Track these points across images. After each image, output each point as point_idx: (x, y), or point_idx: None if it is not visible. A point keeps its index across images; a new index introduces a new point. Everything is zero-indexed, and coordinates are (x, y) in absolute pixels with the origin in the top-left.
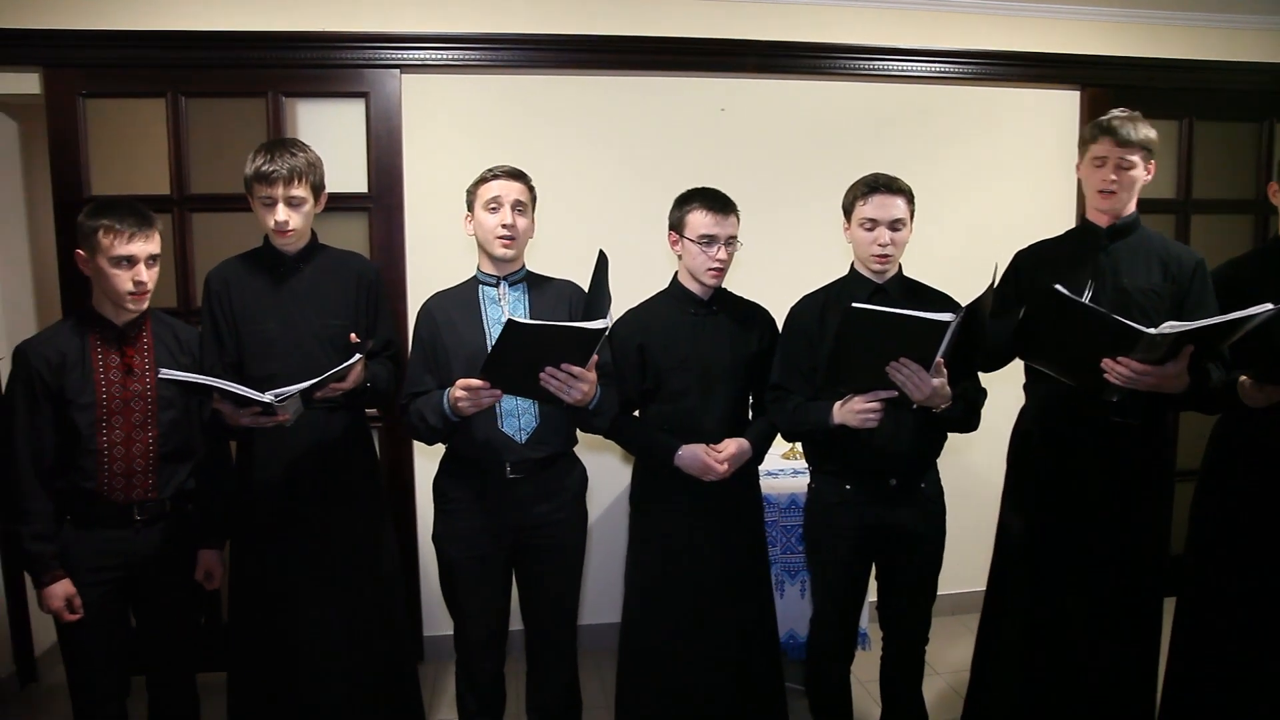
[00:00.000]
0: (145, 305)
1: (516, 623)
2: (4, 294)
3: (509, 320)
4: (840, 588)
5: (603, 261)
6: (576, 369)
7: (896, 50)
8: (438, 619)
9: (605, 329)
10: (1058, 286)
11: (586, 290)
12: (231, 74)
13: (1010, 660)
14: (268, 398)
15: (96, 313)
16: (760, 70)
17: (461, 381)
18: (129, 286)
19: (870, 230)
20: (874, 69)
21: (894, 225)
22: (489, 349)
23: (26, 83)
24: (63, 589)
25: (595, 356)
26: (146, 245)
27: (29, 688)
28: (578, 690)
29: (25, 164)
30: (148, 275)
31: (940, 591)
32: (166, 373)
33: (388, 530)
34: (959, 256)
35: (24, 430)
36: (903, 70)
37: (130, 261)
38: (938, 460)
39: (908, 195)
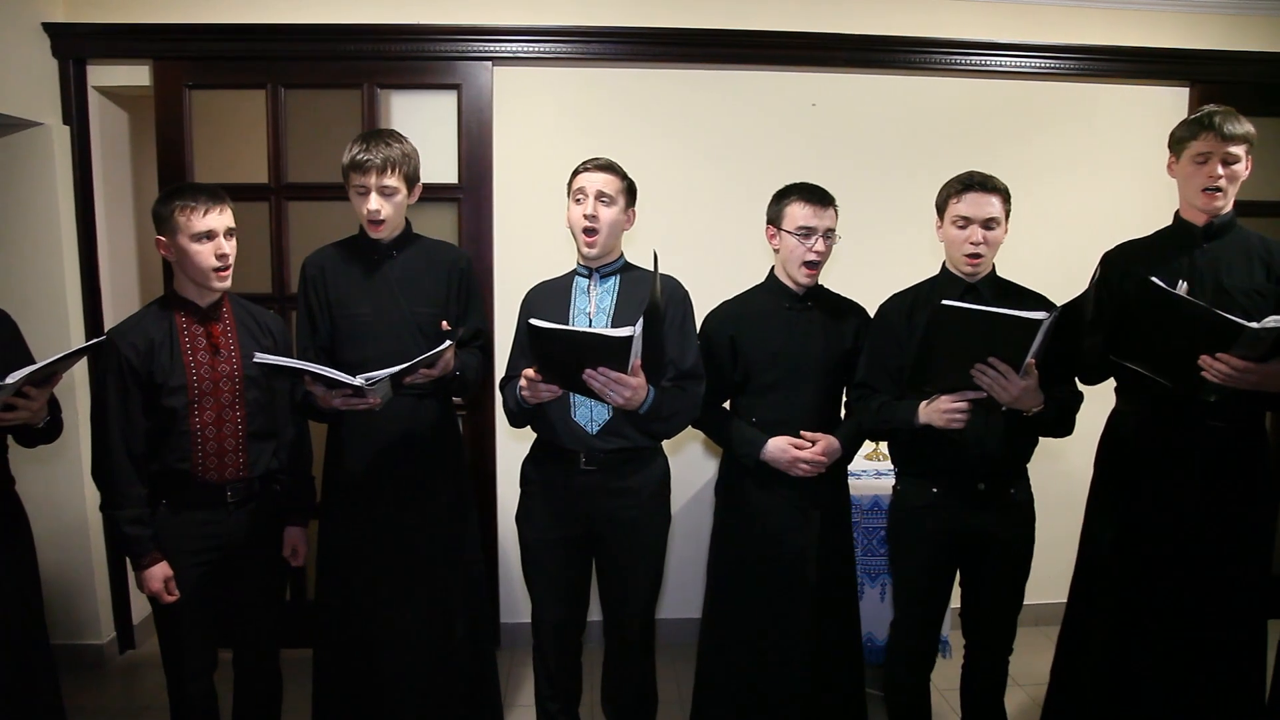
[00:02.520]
0: (229, 281)
1: (598, 613)
2: (111, 278)
3: (529, 323)
4: (923, 593)
5: (655, 264)
6: (614, 373)
7: (995, 45)
8: (517, 606)
9: (630, 337)
10: (1154, 280)
11: (676, 284)
12: (329, 66)
13: (1091, 675)
14: (358, 381)
15: (180, 296)
16: (853, 65)
17: (524, 371)
18: (213, 262)
19: (963, 229)
20: (971, 64)
21: (988, 224)
22: None
23: (137, 75)
24: (161, 571)
25: (636, 361)
26: (222, 218)
27: (127, 654)
28: (654, 685)
29: (133, 153)
30: (229, 248)
31: (1025, 601)
32: (261, 357)
33: (471, 517)
34: (1057, 258)
35: (116, 417)
36: (1001, 65)
37: (210, 236)
38: (1029, 465)
39: (1003, 194)
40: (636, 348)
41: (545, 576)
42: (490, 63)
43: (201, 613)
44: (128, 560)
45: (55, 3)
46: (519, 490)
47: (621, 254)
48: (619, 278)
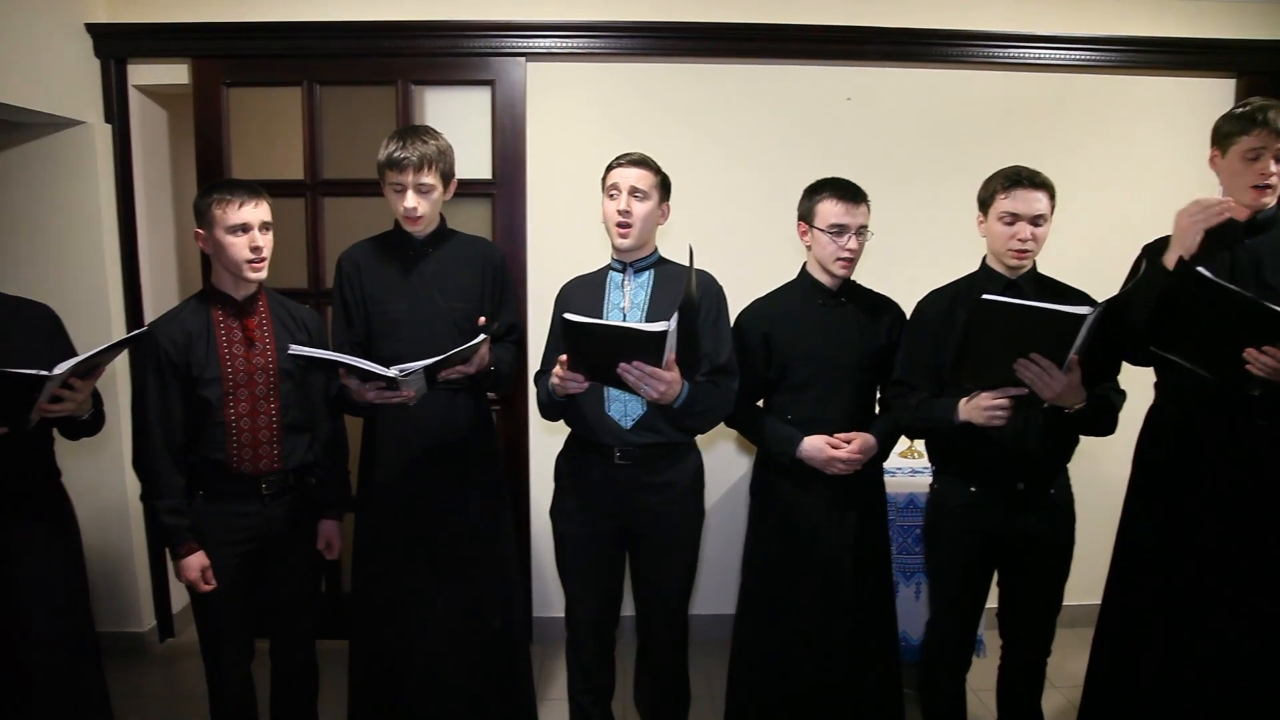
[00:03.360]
0: (264, 273)
1: (630, 607)
2: (151, 273)
3: (564, 317)
4: (959, 593)
5: (690, 259)
6: (649, 367)
7: (1033, 37)
8: (549, 601)
9: (664, 332)
10: (1199, 268)
11: (710, 279)
12: (363, 63)
13: (1128, 678)
14: (392, 372)
15: (217, 289)
16: (889, 58)
17: (560, 358)
18: (247, 254)
19: (1010, 225)
20: (1009, 57)
21: (1035, 221)
22: None
23: (176, 73)
24: (198, 561)
25: (671, 355)
26: (257, 212)
27: (167, 642)
28: (686, 680)
29: (172, 150)
30: (263, 241)
31: (1063, 602)
32: (296, 349)
33: (505, 512)
34: (1095, 254)
35: (156, 408)
36: (1039, 58)
37: (245, 229)
38: (1069, 465)
39: (1050, 190)
40: (671, 342)
41: (580, 571)
42: (524, 58)
43: (238, 602)
44: (167, 550)
45: (97, 3)
46: (553, 485)
47: (655, 248)
48: (653, 272)
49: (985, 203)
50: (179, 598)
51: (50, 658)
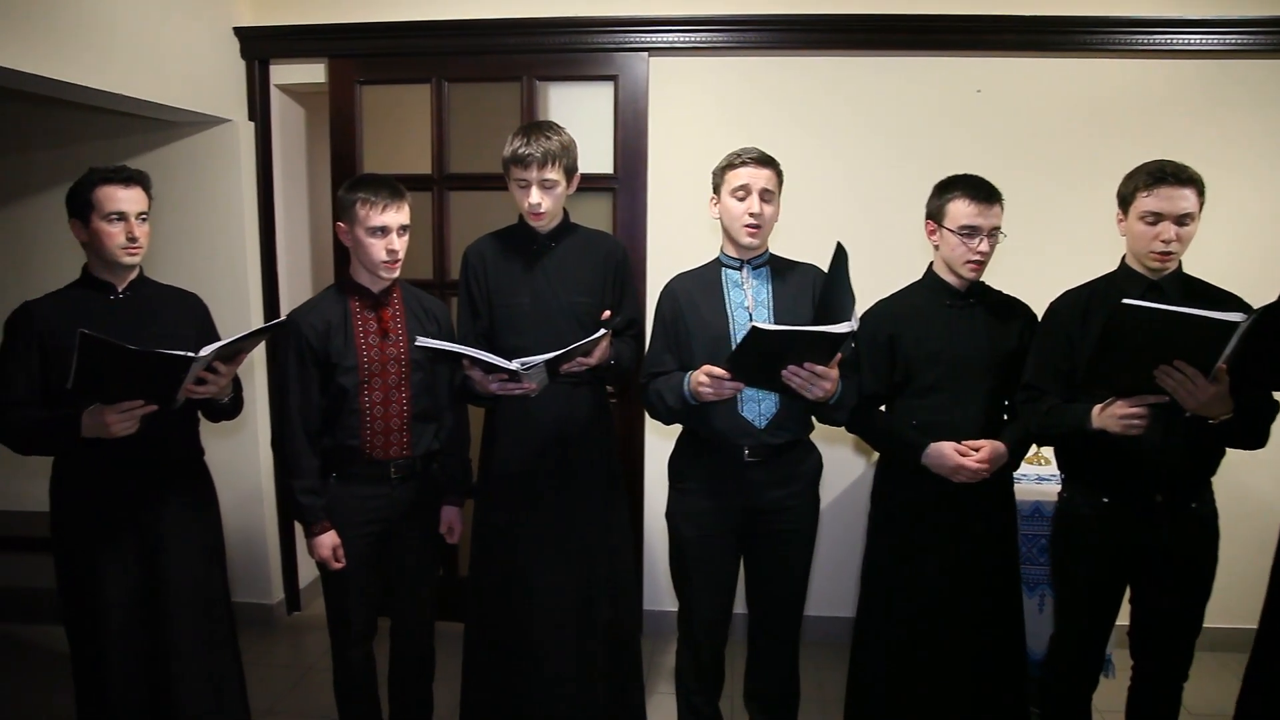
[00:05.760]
0: (397, 272)
1: (743, 605)
2: (287, 264)
3: (753, 327)
4: (1088, 609)
5: (841, 256)
6: (820, 368)
7: (1182, 21)
8: (659, 594)
9: (852, 331)
10: None
11: (819, 271)
12: (490, 60)
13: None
14: (514, 365)
15: (355, 281)
16: (1021, 48)
17: (705, 369)
18: (383, 255)
19: (1153, 225)
20: (1154, 44)
21: (1181, 220)
22: (730, 332)
23: (313, 73)
24: (330, 539)
25: (839, 355)
26: (398, 216)
27: (294, 615)
28: (797, 679)
29: (308, 146)
30: (399, 244)
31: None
32: (424, 341)
33: (621, 504)
34: (1245, 254)
35: (296, 393)
36: (1188, 44)
37: (384, 231)
38: (1213, 478)
39: (1198, 186)
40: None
41: (701, 572)
42: (646, 53)
43: (364, 581)
44: (297, 527)
45: (244, 8)
46: (667, 483)
47: (767, 246)
48: (769, 270)
49: (1126, 200)
50: (305, 574)
51: (191, 621)
